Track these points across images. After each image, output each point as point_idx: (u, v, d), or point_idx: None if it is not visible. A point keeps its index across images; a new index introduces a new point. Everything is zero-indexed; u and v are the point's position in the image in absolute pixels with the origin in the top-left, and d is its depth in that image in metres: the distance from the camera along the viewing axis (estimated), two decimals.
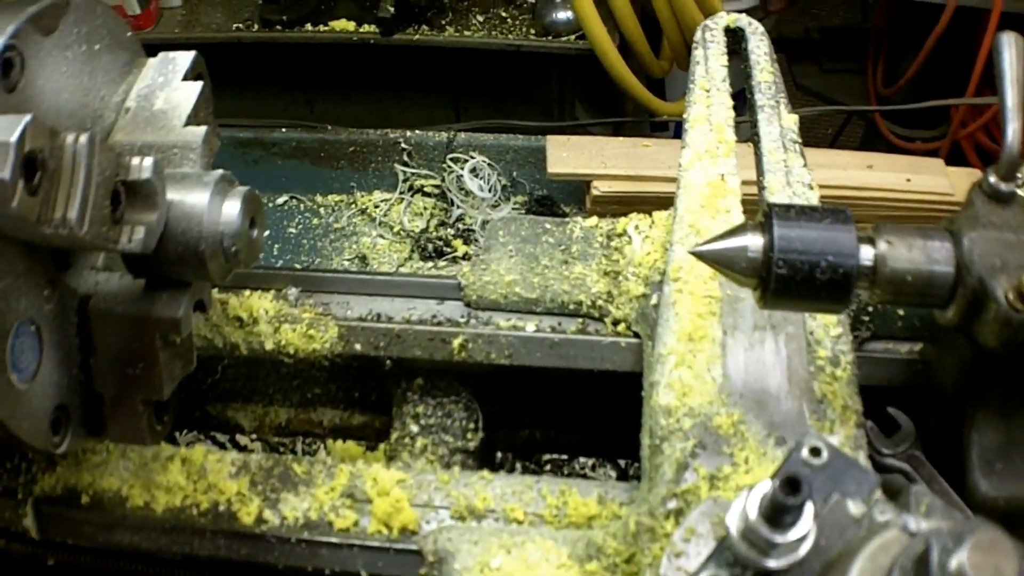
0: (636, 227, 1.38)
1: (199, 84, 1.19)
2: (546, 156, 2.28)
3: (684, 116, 1.41)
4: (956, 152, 3.40)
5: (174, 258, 1.02)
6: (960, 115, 3.36)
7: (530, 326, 1.34)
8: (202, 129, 1.13)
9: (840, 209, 1.00)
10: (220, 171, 1.07)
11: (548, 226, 1.41)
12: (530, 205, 2.41)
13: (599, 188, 2.17)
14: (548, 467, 1.95)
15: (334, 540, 1.19)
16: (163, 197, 1.00)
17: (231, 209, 1.03)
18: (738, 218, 1.28)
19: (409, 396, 1.41)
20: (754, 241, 0.98)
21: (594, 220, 1.42)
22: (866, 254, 0.99)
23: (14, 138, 0.84)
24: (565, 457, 1.96)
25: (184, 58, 1.21)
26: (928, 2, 3.24)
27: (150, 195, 0.98)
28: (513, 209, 2.38)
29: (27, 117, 0.85)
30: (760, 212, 1.02)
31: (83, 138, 0.91)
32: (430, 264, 2.28)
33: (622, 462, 1.95)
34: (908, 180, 2.19)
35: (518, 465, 1.89)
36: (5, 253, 0.98)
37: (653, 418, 1.12)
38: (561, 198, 2.42)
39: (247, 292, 1.38)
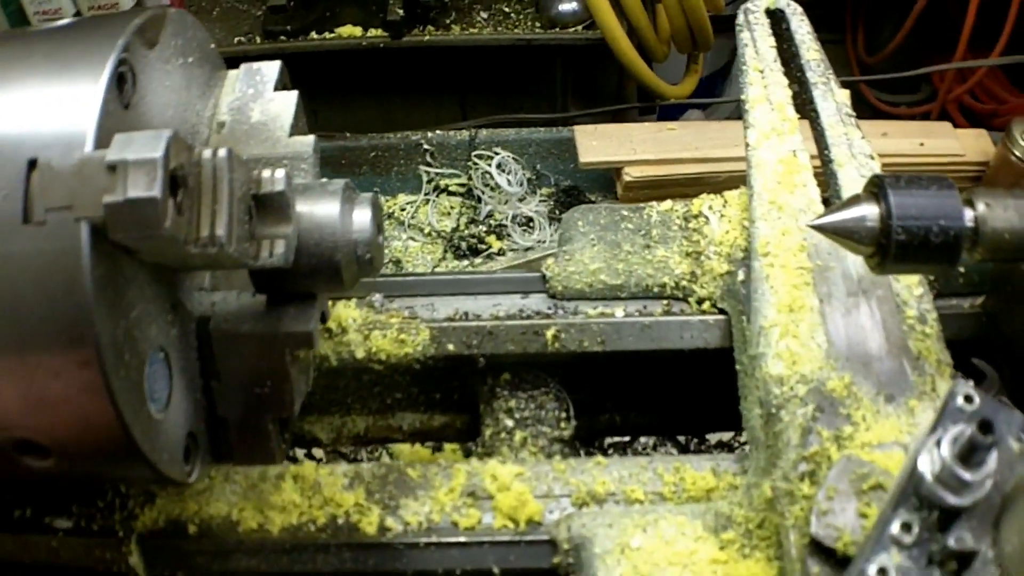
0: (710, 207, 1.40)
1: (294, 93, 1.18)
2: (569, 147, 2.30)
3: (742, 97, 1.43)
4: (943, 115, 3.45)
5: (306, 270, 1.01)
6: (948, 80, 3.41)
7: (619, 312, 1.36)
8: (310, 138, 1.13)
9: (941, 177, 1.04)
10: (342, 180, 1.07)
11: (626, 212, 1.43)
12: (557, 196, 2.43)
13: (631, 174, 2.19)
14: (611, 451, 1.97)
15: (462, 539, 1.20)
16: (295, 209, 0.99)
17: (362, 216, 1.03)
18: (814, 192, 1.30)
19: (498, 392, 1.42)
20: (871, 211, 1.02)
21: (669, 204, 1.43)
22: (968, 216, 1.03)
23: (159, 154, 0.82)
24: (627, 439, 1.98)
25: (270, 68, 1.20)
26: None
27: (283, 208, 0.97)
28: (540, 202, 2.40)
29: (168, 132, 0.83)
30: (868, 183, 1.05)
31: (222, 152, 0.90)
32: (466, 262, 2.29)
33: (681, 439, 1.97)
34: (921, 144, 2.24)
35: (582, 452, 1.91)
36: (137, 279, 0.95)
37: (763, 388, 1.14)
38: (586, 187, 2.44)
39: (330, 303, 1.39)
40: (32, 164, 0.88)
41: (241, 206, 0.92)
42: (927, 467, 0.85)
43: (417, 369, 1.41)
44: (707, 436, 1.84)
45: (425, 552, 1.21)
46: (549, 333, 1.35)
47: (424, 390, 1.52)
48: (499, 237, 2.34)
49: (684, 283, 1.36)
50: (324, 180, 1.06)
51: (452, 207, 2.45)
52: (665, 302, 1.37)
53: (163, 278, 1.02)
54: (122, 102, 0.95)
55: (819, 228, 1.03)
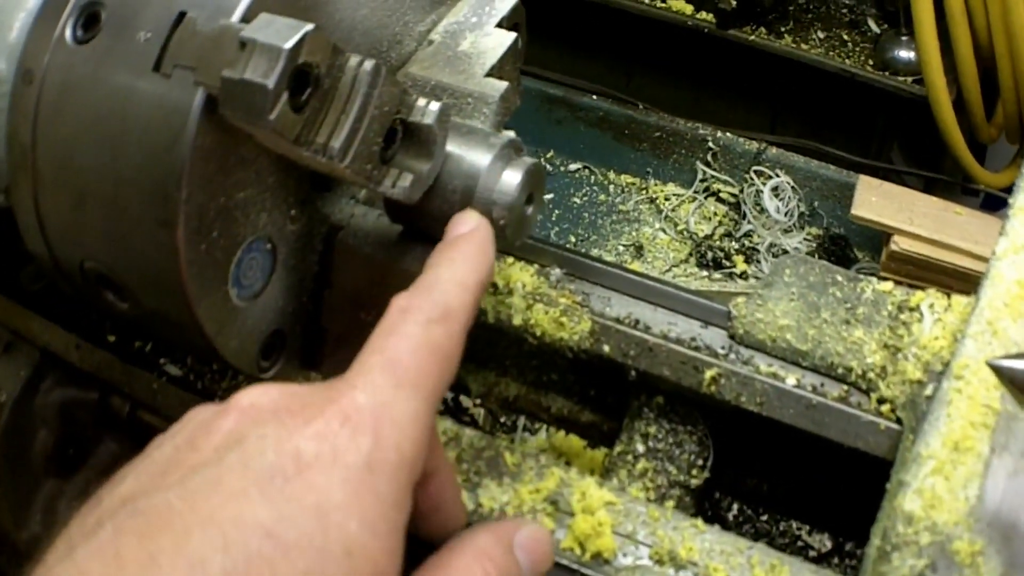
0: (931, 306, 1.26)
1: (512, 35, 1.11)
2: (853, 195, 2.16)
3: (1010, 201, 1.29)
4: None
5: (436, 215, 0.96)
6: None
7: (791, 379, 1.24)
8: (503, 84, 1.06)
9: None
10: (510, 134, 1.01)
11: (839, 278, 1.30)
12: (823, 241, 2.30)
13: (899, 244, 2.05)
14: (764, 516, 1.85)
15: None
16: (441, 148, 0.94)
17: (511, 179, 0.97)
18: None
19: (645, 412, 1.33)
20: None
21: (888, 286, 1.30)
22: None
23: (288, 45, 0.78)
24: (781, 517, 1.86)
25: (504, 3, 1.14)
26: None
27: (428, 143, 0.92)
28: (805, 240, 2.28)
29: (309, 26, 0.80)
30: None
31: (368, 64, 0.85)
32: (705, 273, 2.20)
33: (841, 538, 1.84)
34: None
35: (735, 506, 1.80)
36: (255, 163, 0.93)
37: (891, 520, 1.02)
38: (856, 242, 2.31)
39: (509, 260, 1.31)
40: (180, 16, 0.87)
41: (375, 126, 0.87)
42: None
43: (573, 358, 1.33)
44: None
45: None
46: (709, 373, 1.25)
47: (580, 381, 1.44)
48: (747, 260, 2.23)
49: (871, 375, 1.23)
50: (491, 131, 1.00)
51: (715, 214, 2.35)
52: (845, 388, 1.24)
53: (295, 172, 0.99)
54: None
55: (995, 369, 0.90)
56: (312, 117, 0.83)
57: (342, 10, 0.98)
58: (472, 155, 0.96)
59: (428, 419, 0.83)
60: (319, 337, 1.08)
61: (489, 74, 1.07)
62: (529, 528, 0.96)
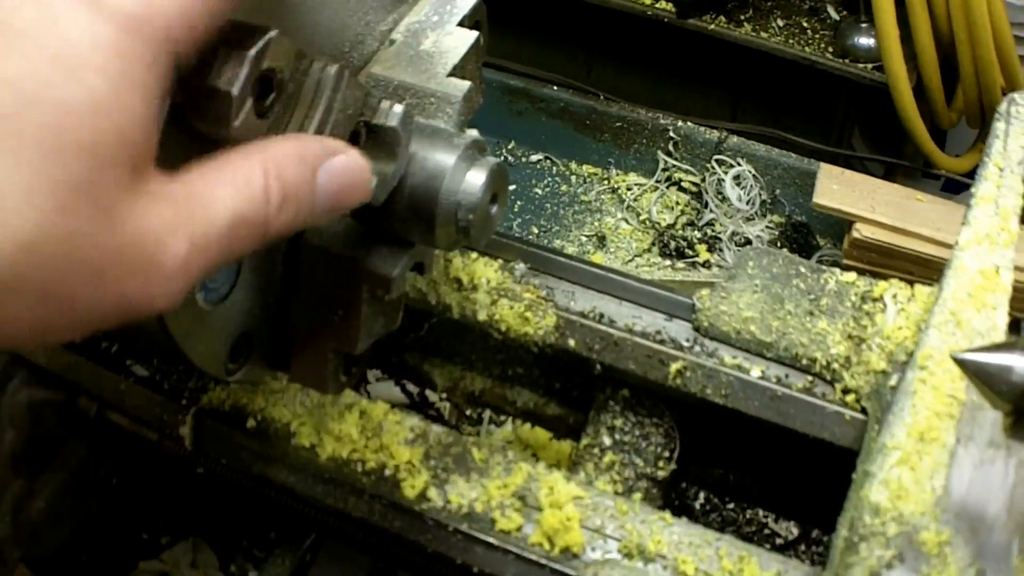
0: (894, 296, 1.27)
1: (474, 34, 1.10)
2: (814, 183, 2.17)
3: (972, 191, 1.29)
4: None
5: (402, 215, 0.94)
6: None
7: (755, 370, 1.24)
8: (465, 84, 1.04)
9: None
10: (474, 133, 0.99)
11: (803, 270, 1.31)
12: (785, 228, 2.30)
13: (861, 232, 2.05)
14: (731, 504, 1.86)
15: (492, 540, 1.12)
16: (405, 149, 0.92)
17: (475, 179, 0.95)
18: (1002, 319, 1.16)
19: (611, 405, 1.33)
20: (1021, 363, 0.87)
21: (852, 276, 1.31)
22: None
23: (252, 51, 0.76)
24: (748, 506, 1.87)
25: (465, 1, 1.13)
26: None
27: (392, 144, 0.90)
28: (767, 228, 2.28)
29: (272, 31, 0.78)
30: None
31: (331, 68, 0.84)
32: (668, 262, 2.20)
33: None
34: None
35: (701, 495, 1.81)
36: None
37: (858, 511, 1.02)
38: (819, 229, 2.31)
39: (474, 255, 1.31)
40: None
41: (339, 129, 0.86)
42: None
43: (538, 352, 1.33)
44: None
45: (451, 537, 1.14)
46: (674, 366, 1.25)
47: (546, 374, 1.44)
48: (710, 249, 2.23)
49: (836, 366, 1.24)
50: (454, 131, 0.99)
51: (677, 203, 2.36)
52: (810, 379, 1.25)
53: None
54: None
55: (960, 363, 0.90)
56: (276, 122, 0.81)
57: (305, 12, 0.96)
58: (436, 156, 0.95)
59: None
60: (287, 338, 1.06)
61: (452, 73, 1.06)
62: (345, 157, 0.83)
